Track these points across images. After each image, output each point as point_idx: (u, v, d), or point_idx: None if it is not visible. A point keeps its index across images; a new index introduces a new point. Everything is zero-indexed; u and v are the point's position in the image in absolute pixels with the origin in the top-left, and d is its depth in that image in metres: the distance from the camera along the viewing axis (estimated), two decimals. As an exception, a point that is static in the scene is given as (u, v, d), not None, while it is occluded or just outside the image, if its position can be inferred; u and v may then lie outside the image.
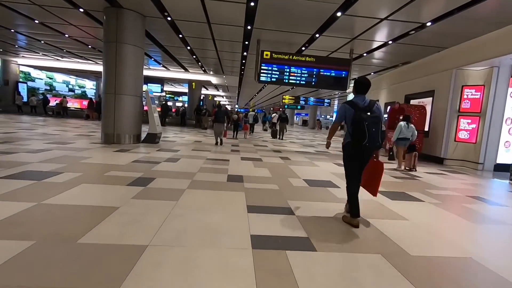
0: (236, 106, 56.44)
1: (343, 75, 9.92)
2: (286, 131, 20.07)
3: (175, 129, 16.45)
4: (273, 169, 6.02)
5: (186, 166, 5.65)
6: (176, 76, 20.51)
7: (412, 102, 11.38)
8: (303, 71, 9.80)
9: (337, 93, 25.10)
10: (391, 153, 8.98)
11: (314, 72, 9.82)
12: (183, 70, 18.71)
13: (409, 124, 7.10)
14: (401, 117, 7.80)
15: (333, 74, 9.87)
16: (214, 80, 21.53)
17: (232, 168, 5.83)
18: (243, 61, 13.94)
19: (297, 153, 9.24)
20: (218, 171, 5.42)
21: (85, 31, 10.75)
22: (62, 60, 18.59)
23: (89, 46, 13.46)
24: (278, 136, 15.89)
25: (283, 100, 25.34)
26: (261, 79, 9.75)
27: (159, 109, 23.13)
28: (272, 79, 9.80)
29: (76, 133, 10.11)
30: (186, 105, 33.58)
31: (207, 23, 8.58)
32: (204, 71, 18.12)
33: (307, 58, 9.67)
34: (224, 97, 43.57)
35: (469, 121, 8.60)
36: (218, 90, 31.58)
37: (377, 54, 10.52)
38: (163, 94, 32.50)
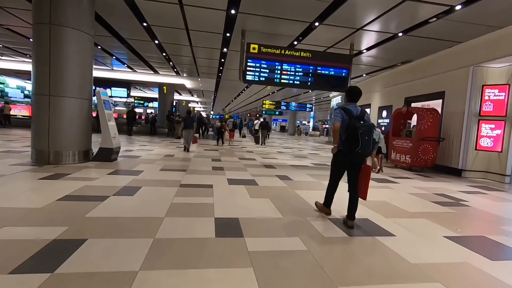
0: (211, 112, 54.20)
1: (343, 74, 8.41)
2: (268, 138, 18.53)
3: (144, 139, 14.13)
4: (278, 200, 4.20)
5: (147, 203, 3.66)
6: (144, 79, 18.16)
7: (414, 105, 10.17)
8: (297, 69, 8.15)
9: (326, 95, 23.99)
10: None
11: (311, 71, 8.21)
12: (152, 72, 16.47)
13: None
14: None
15: (332, 72, 8.32)
16: (188, 83, 19.43)
17: (220, 202, 3.92)
18: (222, 60, 12.10)
19: (294, 168, 7.51)
20: (198, 211, 3.49)
21: (17, 16, 8.36)
22: (2, 59, 15.59)
23: (30, 40, 10.91)
24: (260, 142, 16.41)
25: (263, 105, 23.74)
26: (247, 79, 7.96)
27: (117, 116, 20.35)
28: (261, 79, 8.04)
29: (6, 148, 7.64)
30: (152, 112, 30.98)
31: (178, 4, 6.67)
32: (177, 72, 16.02)
33: (302, 53, 8.04)
34: (199, 102, 41.35)
35: (493, 126, 7.38)
36: (192, 95, 29.36)
37: (378, 51, 9.17)
38: (131, 100, 29.75)
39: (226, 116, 54.99)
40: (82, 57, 6.07)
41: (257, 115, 52.71)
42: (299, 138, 27.58)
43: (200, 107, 49.75)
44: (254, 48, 7.83)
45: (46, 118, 5.72)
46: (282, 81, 8.16)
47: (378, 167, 7.63)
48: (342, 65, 8.32)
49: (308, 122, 61.21)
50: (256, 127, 21.59)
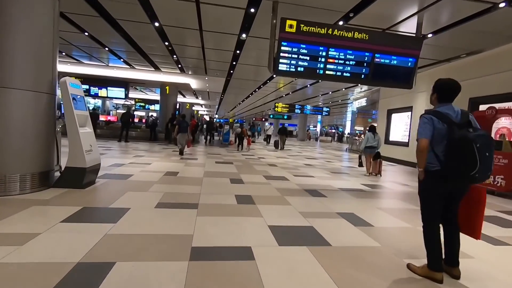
0: (216, 116, 52.14)
1: (409, 64, 6.16)
2: (284, 143, 16.54)
3: (142, 146, 11.93)
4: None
5: None
6: (144, 77, 16.04)
7: (482, 107, 7.93)
8: (348, 57, 5.91)
9: (346, 97, 21.77)
10: (360, 160, 8.82)
11: (366, 58, 5.96)
12: (153, 69, 14.33)
13: (375, 134, 7.92)
14: (367, 128, 8.38)
15: (395, 61, 6.07)
16: (193, 83, 17.28)
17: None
18: (237, 52, 9.91)
19: (349, 196, 5.26)
20: None
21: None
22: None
23: None
24: (279, 147, 16.32)
25: (276, 109, 21.52)
26: (279, 69, 5.75)
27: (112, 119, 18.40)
28: (298, 69, 5.80)
29: None
30: (152, 116, 28.87)
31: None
32: (181, 69, 13.86)
33: (357, 34, 5.80)
34: (203, 105, 39.30)
35: None
36: (197, 97, 27.24)
37: (451, 34, 6.91)
38: (129, 102, 27.66)
39: (231, 120, 53.01)
40: (35, 27, 3.88)
41: (263, 119, 51.10)
42: (312, 144, 25.25)
43: (204, 111, 47.78)
44: (291, 26, 5.59)
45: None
46: (327, 72, 5.91)
47: (376, 172, 7.96)
48: (409, 51, 6.07)
49: (314, 126, 58.91)
50: (269, 133, 19.53)
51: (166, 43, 9.41)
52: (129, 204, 3.69)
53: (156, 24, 7.64)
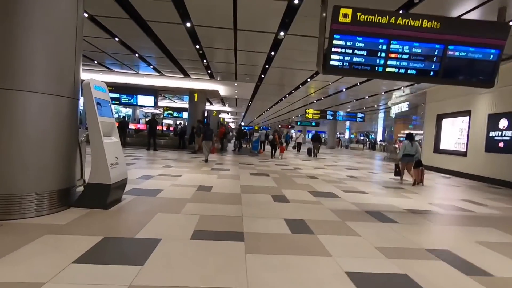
0: (242, 123, 51.88)
1: (492, 57, 5.02)
2: (318, 151, 15.53)
3: (171, 155, 11.47)
4: None
5: None
6: (173, 84, 15.82)
7: None
8: (414, 50, 4.90)
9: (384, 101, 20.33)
10: (397, 169, 8.43)
11: (437, 52, 4.91)
12: (182, 76, 14.01)
13: (412, 142, 7.67)
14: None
15: (474, 54, 4.97)
16: (222, 90, 16.81)
17: None
18: (272, 53, 9.17)
19: (423, 219, 4.20)
20: None
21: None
22: None
23: None
24: (312, 155, 15.71)
25: (307, 115, 20.49)
26: (331, 64, 4.83)
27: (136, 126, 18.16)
28: (353, 67, 4.87)
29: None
30: (181, 123, 28.91)
31: None
32: (211, 75, 13.40)
33: (426, 23, 4.80)
34: (229, 113, 39.15)
35: None
36: (224, 105, 26.94)
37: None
38: (159, 111, 27.92)
39: (256, 128, 52.46)
40: (54, 21, 3.33)
41: (289, 126, 50.12)
42: (345, 153, 23.78)
43: (230, 118, 47.73)
44: (345, 15, 4.70)
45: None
46: (388, 70, 4.92)
47: (418, 180, 7.57)
48: (492, 41, 4.94)
49: (342, 133, 56.61)
50: (299, 140, 18.57)
51: (197, 46, 8.89)
52: (159, 233, 2.95)
53: (188, 24, 7.09)
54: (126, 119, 19.12)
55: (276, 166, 10.00)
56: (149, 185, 5.33)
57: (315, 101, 20.12)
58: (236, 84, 15.06)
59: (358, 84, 12.93)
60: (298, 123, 39.24)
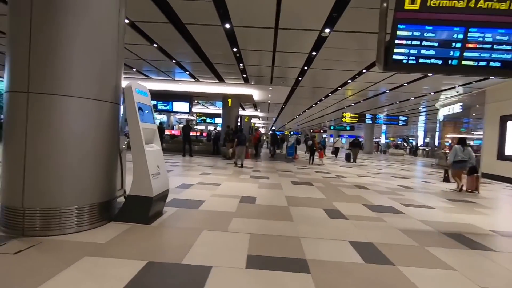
0: (273, 128, 51.42)
1: None
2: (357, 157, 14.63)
3: (206, 161, 11.27)
4: None
5: None
6: (208, 90, 15.79)
7: None
8: (499, 38, 4.09)
9: (431, 103, 18.81)
10: (446, 175, 8.59)
11: (528, 38, 4.07)
12: (217, 81, 13.89)
13: (464, 147, 7.24)
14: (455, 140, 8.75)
15: None
16: (256, 94, 16.49)
17: None
18: (313, 54, 8.60)
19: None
20: None
21: None
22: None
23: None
24: (351, 160, 15.18)
25: (343, 119, 19.48)
26: (394, 59, 4.18)
27: (179, 133, 18.15)
28: (420, 60, 4.17)
29: None
30: (218, 128, 29.05)
31: None
32: (246, 80, 13.10)
33: (515, 4, 3.98)
34: (260, 118, 38.91)
35: None
36: (256, 110, 26.68)
37: None
38: (192, 117, 28.34)
39: (286, 132, 51.67)
40: (96, 26, 3.09)
41: (321, 131, 48.76)
42: (384, 158, 22.23)
43: (261, 123, 47.51)
44: (413, 1, 4.02)
45: (21, 137, 2.78)
46: (465, 63, 4.13)
47: (473, 188, 7.14)
48: None
49: (376, 138, 53.72)
50: (338, 145, 17.65)
51: (234, 49, 8.59)
52: (208, 258, 2.52)
53: (227, 26, 6.78)
54: (162, 125, 19.46)
55: (317, 174, 9.33)
56: (189, 195, 4.99)
57: (352, 104, 19.06)
58: (270, 88, 14.65)
59: (405, 84, 11.86)
60: (332, 128, 37.86)
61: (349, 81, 11.88)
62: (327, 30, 6.74)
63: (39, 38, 2.79)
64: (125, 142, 3.80)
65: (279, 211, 4.32)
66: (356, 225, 3.82)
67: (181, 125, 37.28)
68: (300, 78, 12.03)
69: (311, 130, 52.49)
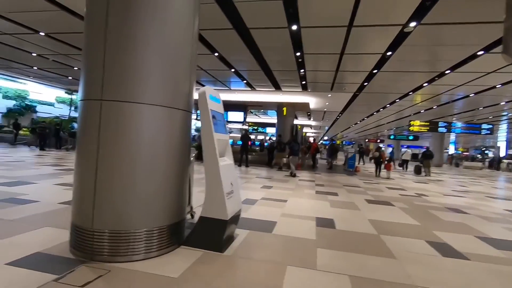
0: (325, 138, 49.51)
1: None
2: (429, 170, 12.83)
3: (263, 172, 10.77)
4: None
5: None
6: (262, 99, 15.52)
7: None
8: None
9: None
10: None
11: None
12: (273, 89, 13.46)
13: None
14: None
15: None
16: (313, 102, 15.70)
17: None
18: (388, 53, 7.59)
19: None
20: None
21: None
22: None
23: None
24: (422, 173, 13.83)
25: (411, 127, 17.44)
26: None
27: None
28: None
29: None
30: (271, 138, 28.69)
31: None
32: (304, 87, 12.42)
33: None
34: (312, 127, 37.66)
35: None
36: (309, 119, 25.70)
37: None
38: (246, 126, 28.48)
39: (338, 142, 49.13)
40: (172, 26, 2.76)
41: (377, 141, 45.35)
42: (460, 172, 19.25)
43: (311, 133, 46.10)
44: None
45: (93, 146, 2.50)
46: None
47: None
48: None
49: (446, 149, 47.83)
50: (406, 157, 15.77)
51: (297, 54, 8.01)
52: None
53: (294, 27, 6.25)
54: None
55: (391, 191, 8.11)
56: (257, 214, 4.44)
57: (422, 111, 17.00)
58: (329, 95, 13.73)
59: (498, 86, 9.96)
60: (391, 137, 34.75)
61: (425, 84, 10.42)
62: (412, 24, 5.76)
63: (115, 31, 2.52)
64: (193, 154, 3.43)
65: (370, 242, 3.49)
66: (488, 272, 2.82)
67: (231, 135, 37.92)
68: (365, 83, 10.94)
69: (366, 140, 49.25)
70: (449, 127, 16.61)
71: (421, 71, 9.00)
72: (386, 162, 11.94)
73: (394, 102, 14.36)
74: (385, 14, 5.51)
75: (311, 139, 48.57)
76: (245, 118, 16.50)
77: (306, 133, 41.05)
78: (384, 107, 16.38)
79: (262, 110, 21.72)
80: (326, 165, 15.81)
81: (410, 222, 4.59)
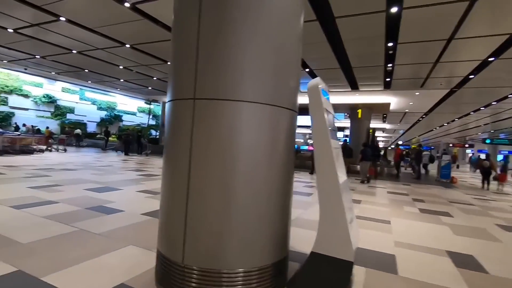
0: (400, 142, 44.69)
1: None
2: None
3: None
4: None
5: None
6: (334, 101, 14.26)
7: None
8: None
9: None
10: None
11: None
12: (348, 89, 12.19)
13: None
14: None
15: None
16: (394, 102, 13.83)
17: None
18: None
19: None
20: None
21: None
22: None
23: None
24: None
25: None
26: None
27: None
28: None
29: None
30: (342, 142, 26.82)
31: None
32: (387, 85, 10.88)
33: None
34: (384, 131, 34.30)
35: None
36: (384, 121, 23.20)
37: None
38: (310, 130, 27.25)
39: (413, 147, 43.67)
40: (277, 24, 2.10)
41: (465, 145, 38.97)
42: None
43: (382, 137, 42.20)
44: None
45: (185, 157, 1.96)
46: None
47: None
48: None
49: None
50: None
51: (390, 44, 6.81)
52: None
53: (394, 9, 5.15)
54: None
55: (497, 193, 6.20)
56: (363, 240, 3.50)
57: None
58: (417, 94, 11.82)
59: None
60: (487, 141, 29.11)
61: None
62: None
63: (208, 22, 1.98)
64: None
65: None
66: None
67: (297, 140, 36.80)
68: (471, 76, 8.94)
69: (451, 145, 42.83)
70: None
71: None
72: (499, 172, 9.61)
73: (505, 98, 11.62)
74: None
75: (380, 144, 44.29)
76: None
77: (376, 137, 37.64)
78: (487, 105, 13.49)
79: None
80: (412, 175, 13.70)
81: None
